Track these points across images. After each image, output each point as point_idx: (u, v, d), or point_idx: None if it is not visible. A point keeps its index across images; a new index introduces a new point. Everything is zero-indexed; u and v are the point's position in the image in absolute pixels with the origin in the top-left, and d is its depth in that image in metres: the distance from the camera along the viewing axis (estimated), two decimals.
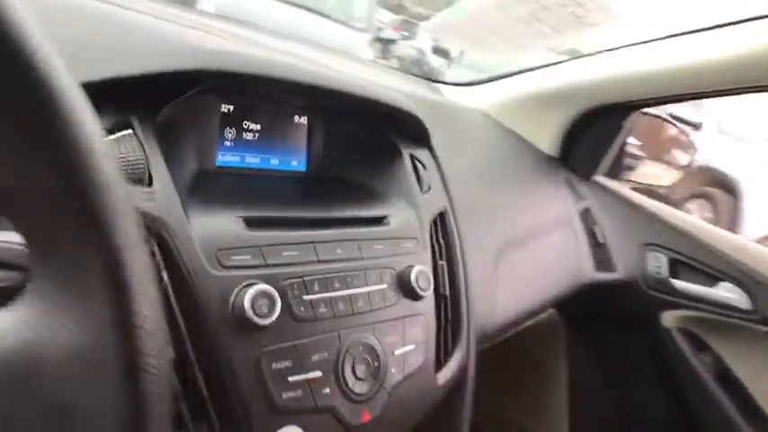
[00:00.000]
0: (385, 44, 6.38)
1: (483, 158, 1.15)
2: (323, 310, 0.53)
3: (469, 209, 0.93)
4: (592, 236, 1.22)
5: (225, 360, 0.46)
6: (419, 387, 0.62)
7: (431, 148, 0.80)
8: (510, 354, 1.55)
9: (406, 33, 7.18)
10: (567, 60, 1.30)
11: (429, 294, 0.64)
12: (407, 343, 0.61)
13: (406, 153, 0.74)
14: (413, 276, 0.62)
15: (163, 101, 0.52)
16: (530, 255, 1.02)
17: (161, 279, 0.45)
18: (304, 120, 0.71)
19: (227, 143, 0.64)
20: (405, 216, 0.69)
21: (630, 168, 1.60)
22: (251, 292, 0.47)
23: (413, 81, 1.49)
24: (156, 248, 0.45)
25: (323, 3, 5.13)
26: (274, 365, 0.49)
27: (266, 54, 0.65)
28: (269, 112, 0.68)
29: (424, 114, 1.12)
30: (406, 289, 0.62)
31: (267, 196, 0.62)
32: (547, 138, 1.35)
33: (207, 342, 0.46)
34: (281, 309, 0.50)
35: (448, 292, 0.71)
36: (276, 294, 0.48)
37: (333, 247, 0.57)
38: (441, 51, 6.59)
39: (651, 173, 1.55)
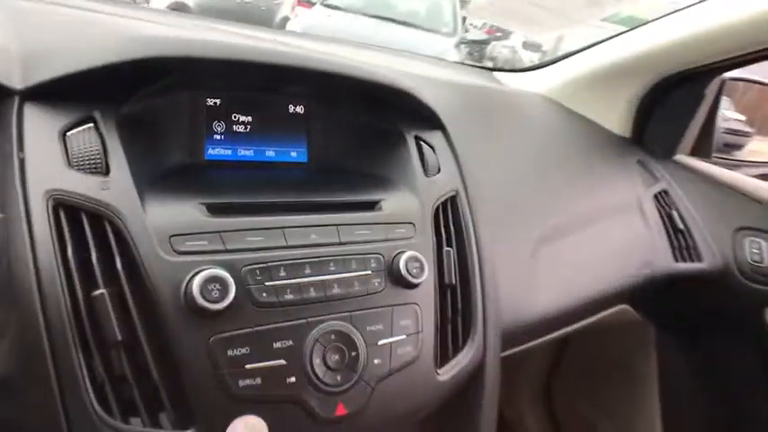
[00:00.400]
0: (474, 46, 6.28)
1: (539, 143, 1.06)
2: (289, 296, 0.51)
3: (510, 195, 0.86)
4: (669, 221, 1.07)
5: (177, 345, 0.46)
6: (413, 382, 0.57)
7: (443, 130, 0.75)
8: (593, 355, 1.41)
9: (499, 34, 7.04)
10: (629, 30, 1.16)
11: (426, 283, 0.59)
12: (396, 333, 0.56)
13: (410, 136, 0.70)
14: (402, 263, 0.57)
15: (126, 94, 0.54)
16: (583, 243, 0.92)
17: (114, 265, 0.46)
18: (300, 109, 0.70)
19: (217, 136, 0.65)
20: (401, 201, 0.64)
21: (733, 146, 1.39)
22: (200, 276, 0.46)
23: (469, 71, 1.44)
24: (110, 235, 0.47)
25: (415, 15, 5.23)
26: (230, 352, 0.47)
27: (228, 39, 0.65)
28: (260, 104, 0.68)
29: (476, 102, 1.08)
30: (396, 276, 0.58)
31: (256, 187, 0.61)
32: (616, 117, 1.23)
33: (159, 327, 0.46)
34: (240, 294, 0.48)
35: (455, 282, 0.65)
36: (230, 279, 0.47)
37: (305, 233, 0.55)
38: (532, 45, 6.35)
39: (760, 149, 1.33)
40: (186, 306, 0.46)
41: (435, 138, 0.73)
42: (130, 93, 0.54)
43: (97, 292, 0.44)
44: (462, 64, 1.44)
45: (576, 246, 0.90)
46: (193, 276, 0.47)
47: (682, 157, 1.21)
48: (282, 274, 0.51)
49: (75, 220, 0.46)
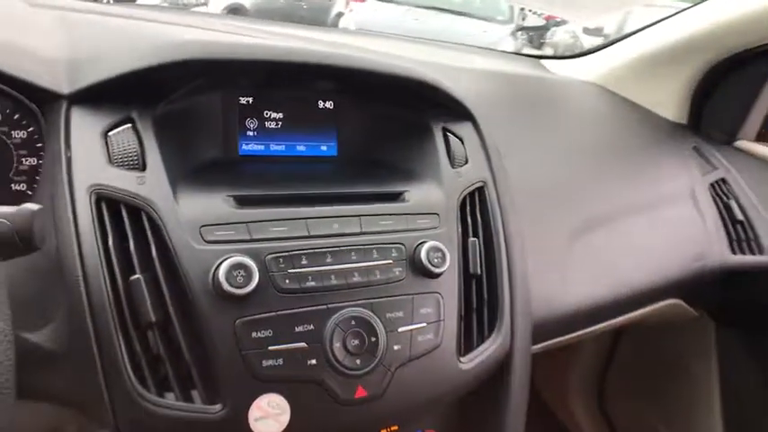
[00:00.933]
0: (532, 33, 6.09)
1: (584, 131, 1.03)
2: (311, 283, 0.54)
3: (548, 184, 0.85)
4: (727, 211, 1.01)
5: (205, 327, 0.49)
6: (434, 369, 0.58)
7: (473, 121, 0.75)
8: (649, 353, 1.36)
9: (558, 19, 6.77)
10: (679, 12, 1.10)
11: (449, 272, 0.60)
12: (416, 321, 0.58)
13: (437, 128, 0.71)
14: (423, 252, 0.58)
15: (161, 96, 0.58)
16: (628, 234, 0.89)
17: (150, 253, 0.50)
18: (329, 104, 0.73)
19: (250, 133, 0.68)
20: (426, 191, 0.65)
21: None
22: (226, 263, 0.49)
23: (514, 60, 1.41)
24: (146, 225, 0.51)
25: (470, 4, 5.16)
26: (254, 334, 0.50)
27: (257, 41, 0.68)
28: (291, 101, 0.70)
29: (516, 91, 1.06)
30: (418, 265, 0.59)
31: (285, 180, 0.64)
32: (670, 102, 1.17)
33: (190, 310, 0.50)
34: (263, 280, 0.51)
35: (481, 272, 0.65)
36: (253, 266, 0.50)
37: (328, 223, 0.57)
38: (593, 30, 6.08)
39: None
40: (214, 290, 0.50)
41: (464, 129, 0.74)
42: (166, 94, 0.58)
43: (134, 277, 0.49)
44: (508, 53, 1.42)
45: (619, 236, 0.87)
46: (220, 263, 0.50)
47: (744, 143, 1.13)
48: (304, 262, 0.54)
49: (115, 211, 0.51)
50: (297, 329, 0.52)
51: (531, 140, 0.90)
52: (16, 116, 0.54)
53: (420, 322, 0.58)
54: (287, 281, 0.53)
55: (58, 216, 0.49)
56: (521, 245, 0.71)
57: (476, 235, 0.67)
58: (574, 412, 1.46)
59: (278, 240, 0.54)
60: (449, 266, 0.60)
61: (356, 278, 0.56)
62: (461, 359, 0.61)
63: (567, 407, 1.46)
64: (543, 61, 1.34)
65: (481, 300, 0.65)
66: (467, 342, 0.63)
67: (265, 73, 0.66)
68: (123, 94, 0.55)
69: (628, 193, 0.94)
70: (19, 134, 0.53)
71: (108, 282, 0.48)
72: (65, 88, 0.54)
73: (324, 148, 0.73)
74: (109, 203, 0.51)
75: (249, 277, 0.50)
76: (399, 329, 0.56)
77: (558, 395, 1.45)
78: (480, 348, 0.63)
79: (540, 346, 0.77)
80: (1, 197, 0.53)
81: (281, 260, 0.53)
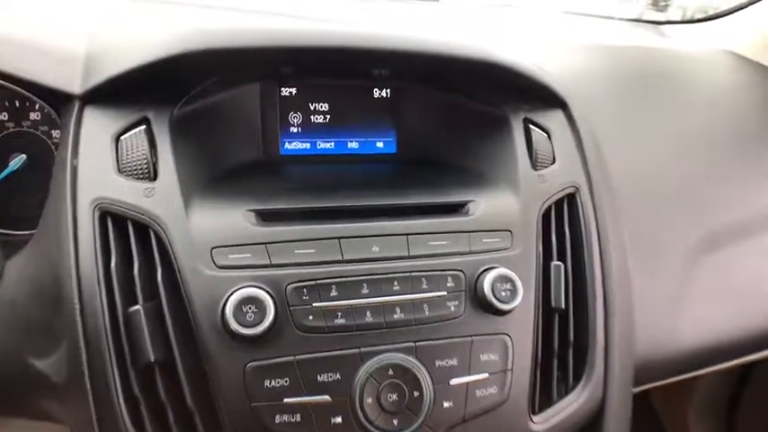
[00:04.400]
0: None
1: (717, 113, 0.82)
2: (340, 320, 0.44)
3: (662, 186, 0.67)
4: None
5: (212, 370, 0.42)
6: None
7: (565, 108, 0.60)
8: None
9: None
10: None
11: (522, 307, 0.47)
12: (475, 371, 0.46)
13: (516, 119, 0.57)
14: (487, 283, 0.46)
15: (183, 91, 0.50)
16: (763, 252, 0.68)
17: (155, 278, 0.43)
18: (387, 93, 0.61)
19: (294, 129, 0.59)
20: (497, 201, 0.52)
21: None
22: (234, 297, 0.41)
23: (628, 28, 1.18)
24: (153, 245, 0.44)
25: None
26: (267, 382, 0.42)
27: (296, 25, 0.58)
28: (340, 90, 0.60)
29: (627, 67, 0.87)
30: (480, 299, 0.47)
31: (329, 184, 0.54)
32: None
33: (195, 349, 0.42)
34: (282, 316, 0.42)
35: (567, 305, 0.51)
36: (267, 300, 0.41)
37: (366, 243, 0.46)
38: None
39: None
40: (223, 328, 0.42)
41: (552, 119, 0.59)
42: (186, 90, 0.50)
43: (133, 309, 0.42)
44: (616, 19, 1.19)
45: (757, 253, 0.67)
46: (230, 296, 0.42)
47: None
48: (334, 293, 0.44)
49: (121, 228, 0.44)
50: (320, 379, 0.43)
51: (643, 129, 0.71)
52: (54, 116, 0.49)
53: (480, 372, 0.46)
54: (310, 317, 0.43)
55: (59, 233, 0.44)
56: (624, 268, 0.56)
57: (562, 257, 0.53)
58: None
59: (303, 266, 0.44)
60: (522, 300, 0.47)
61: (398, 315, 0.45)
62: (534, 418, 0.48)
63: None
64: (664, 27, 1.10)
65: (565, 341, 0.52)
66: (543, 396, 0.50)
67: (310, 60, 0.56)
68: (140, 91, 0.48)
69: (762, 199, 0.72)
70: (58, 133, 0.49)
71: (107, 312, 0.42)
72: (77, 87, 0.48)
73: (380, 144, 0.62)
74: (115, 219, 0.44)
75: (262, 314, 0.41)
76: (451, 381, 0.45)
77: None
78: (561, 404, 0.50)
79: (642, 388, 0.62)
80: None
81: (304, 291, 0.44)
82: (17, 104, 0.60)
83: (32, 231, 0.49)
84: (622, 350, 0.54)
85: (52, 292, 0.43)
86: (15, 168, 0.60)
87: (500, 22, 0.93)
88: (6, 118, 0.60)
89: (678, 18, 1.29)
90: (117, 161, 0.46)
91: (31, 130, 0.61)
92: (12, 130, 0.61)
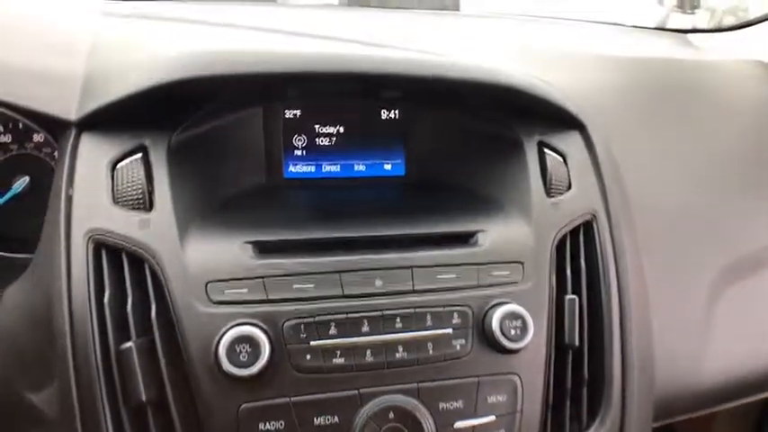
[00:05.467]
0: None
1: (750, 131, 0.78)
2: (338, 360, 0.42)
3: (687, 210, 0.64)
4: None
5: (205, 411, 0.40)
6: None
7: (582, 130, 0.57)
8: None
9: None
10: None
11: (533, 345, 0.45)
12: (482, 413, 0.43)
13: (530, 142, 0.54)
14: (495, 320, 0.44)
15: (180, 119, 0.49)
16: None
17: (150, 314, 0.42)
18: (395, 114, 0.59)
19: (298, 152, 0.58)
20: (508, 230, 0.50)
21: None
22: (229, 335, 0.39)
23: (647, 36, 1.14)
24: (148, 279, 0.42)
25: None
26: (262, 425, 0.40)
27: (300, 47, 0.56)
28: (347, 112, 0.58)
29: (650, 82, 0.83)
30: (488, 337, 0.44)
31: (331, 213, 0.52)
32: None
33: (188, 389, 0.41)
34: (278, 355, 0.41)
35: (581, 342, 0.49)
36: (262, 339, 0.40)
37: (368, 277, 0.44)
38: None
39: None
40: (217, 367, 0.40)
41: (568, 141, 0.56)
42: (185, 116, 0.49)
43: (125, 346, 0.40)
44: (639, 28, 1.14)
45: None
46: (223, 334, 0.40)
47: None
48: (333, 331, 0.42)
49: (116, 260, 0.43)
50: (317, 422, 0.41)
51: (666, 151, 0.68)
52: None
53: (487, 415, 0.43)
54: (308, 357, 0.41)
55: (52, 264, 0.42)
56: (643, 300, 0.53)
57: (577, 291, 0.50)
58: None
59: (301, 302, 0.43)
60: (532, 337, 0.44)
61: (400, 354, 0.43)
62: None
63: None
64: (691, 36, 1.06)
65: (579, 380, 0.49)
66: None
67: (317, 84, 0.55)
68: (137, 117, 0.47)
69: None
70: None
71: (98, 348, 0.40)
72: (74, 114, 0.47)
73: (388, 166, 0.60)
74: (109, 251, 0.43)
75: (256, 354, 0.39)
76: (456, 425, 0.43)
77: None
78: None
79: (662, 423, 0.58)
80: None
81: (302, 328, 0.42)
82: (20, 127, 0.59)
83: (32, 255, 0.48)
84: (641, 386, 0.51)
85: (46, 324, 0.42)
86: (18, 191, 0.59)
87: (512, 35, 0.91)
88: (9, 140, 0.60)
89: (706, 23, 1.24)
90: (113, 190, 0.45)
91: (35, 153, 0.61)
92: (15, 152, 0.60)
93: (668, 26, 1.26)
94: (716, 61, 0.89)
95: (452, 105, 0.58)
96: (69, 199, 0.44)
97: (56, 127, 0.47)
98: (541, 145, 0.55)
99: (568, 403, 0.48)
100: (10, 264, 0.57)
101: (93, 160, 0.46)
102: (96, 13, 0.59)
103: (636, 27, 1.16)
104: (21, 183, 0.59)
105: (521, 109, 0.55)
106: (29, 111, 0.47)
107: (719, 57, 0.90)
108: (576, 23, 1.05)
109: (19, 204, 0.58)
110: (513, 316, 0.44)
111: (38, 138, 0.60)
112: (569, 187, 0.54)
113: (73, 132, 0.46)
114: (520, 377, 0.45)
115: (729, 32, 1.01)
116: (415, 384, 0.43)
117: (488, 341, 0.44)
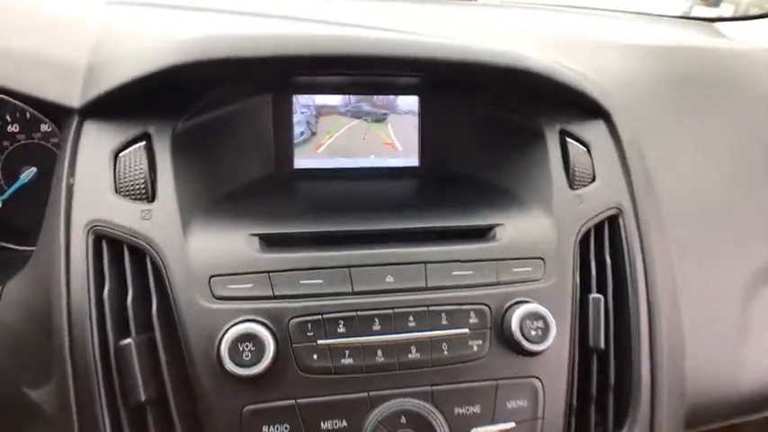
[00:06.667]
0: None
1: None
2: (347, 360, 0.39)
3: (720, 205, 0.60)
4: None
5: (207, 412, 0.38)
6: None
7: (607, 119, 0.54)
8: None
9: None
10: None
11: (555, 347, 0.42)
12: (500, 419, 0.41)
13: (551, 132, 0.51)
14: (515, 320, 0.41)
15: (185, 105, 0.47)
16: None
17: (150, 308, 0.40)
18: (411, 102, 0.57)
19: (308, 142, 0.55)
20: (528, 224, 0.47)
21: None
22: (231, 333, 0.37)
23: (674, 25, 1.09)
24: (149, 272, 0.41)
25: None
26: (266, 428, 0.38)
27: (311, 29, 0.53)
28: (360, 99, 0.56)
29: (677, 70, 0.79)
30: (507, 338, 0.41)
31: (341, 206, 0.50)
32: None
33: (189, 388, 0.39)
34: (284, 355, 0.39)
35: (607, 344, 0.46)
36: (267, 337, 0.37)
37: (380, 273, 0.42)
38: None
39: None
40: (219, 366, 0.38)
41: (592, 131, 0.53)
42: (191, 102, 0.47)
43: (125, 342, 0.39)
44: (664, 17, 1.09)
45: None
46: (226, 332, 0.38)
47: None
48: (341, 330, 0.40)
49: (117, 253, 0.41)
50: (324, 426, 0.38)
51: (695, 141, 0.64)
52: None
53: (505, 421, 0.41)
54: (315, 356, 0.39)
55: (52, 257, 0.41)
56: (672, 300, 0.50)
57: (602, 289, 0.47)
58: None
59: (308, 298, 0.40)
60: (555, 339, 0.41)
61: (413, 355, 0.40)
62: None
63: None
64: (718, 25, 1.01)
65: (605, 384, 0.46)
66: None
67: (329, 69, 0.52)
68: (141, 105, 0.45)
69: None
70: None
71: (97, 345, 0.39)
72: (77, 101, 0.45)
73: (402, 157, 0.57)
74: (110, 243, 0.41)
75: (260, 352, 0.37)
76: (473, 431, 0.40)
77: None
78: None
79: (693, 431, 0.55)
80: None
81: (309, 326, 0.39)
82: (28, 116, 0.58)
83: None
84: (672, 392, 0.47)
85: (45, 320, 0.41)
86: (26, 181, 0.58)
87: (532, 24, 0.87)
88: (17, 130, 0.59)
89: (730, 14, 1.18)
90: (115, 180, 0.43)
91: (42, 143, 0.59)
92: (23, 142, 0.59)
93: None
94: (748, 49, 0.84)
95: (469, 92, 0.55)
96: (70, 188, 0.42)
97: (58, 114, 0.46)
98: (563, 134, 0.52)
99: (593, 409, 0.45)
100: (16, 257, 0.55)
101: (95, 148, 0.44)
102: (101, 0, 0.57)
103: (662, 16, 1.11)
104: (28, 173, 0.58)
105: (541, 96, 0.52)
106: (31, 98, 0.46)
107: (747, 45, 0.86)
108: (599, 12, 1.01)
109: (26, 195, 0.57)
110: (534, 316, 0.41)
111: (45, 128, 0.58)
112: (593, 179, 0.51)
113: (75, 120, 0.45)
114: (541, 381, 0.42)
115: (757, 21, 0.96)
116: (429, 387, 0.40)
117: (507, 342, 0.42)
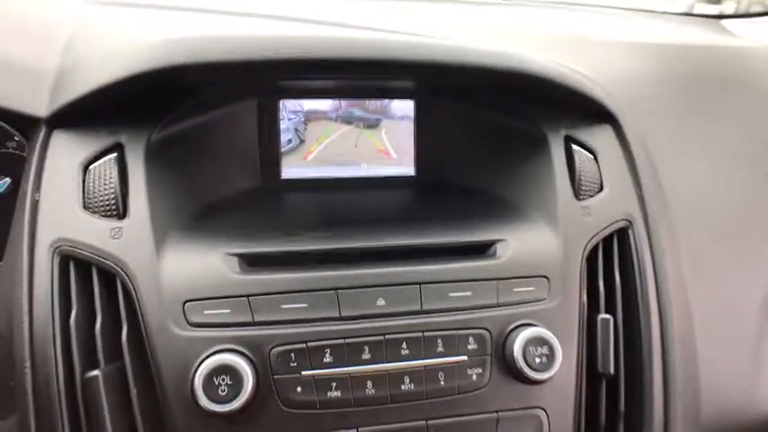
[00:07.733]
0: None
1: None
2: (334, 393, 0.36)
3: (736, 215, 0.57)
4: None
5: None
6: None
7: (614, 124, 0.50)
8: None
9: None
10: None
11: (561, 374, 0.39)
12: None
13: (555, 138, 0.48)
14: (517, 346, 0.38)
15: (160, 113, 0.43)
16: None
17: (120, 336, 0.37)
18: (407, 107, 0.53)
19: (296, 150, 0.52)
20: (531, 239, 0.43)
21: None
22: (206, 365, 0.34)
23: (683, 24, 1.05)
24: (120, 296, 0.37)
25: None
26: None
27: (295, 31, 0.50)
28: (351, 104, 0.52)
29: (685, 70, 0.76)
30: (508, 365, 0.38)
31: (330, 221, 0.47)
32: None
33: (161, 425, 0.36)
34: (264, 388, 0.35)
35: (617, 370, 0.42)
36: (245, 370, 0.34)
37: (370, 296, 0.39)
38: None
39: None
40: (194, 401, 0.35)
41: (599, 137, 0.50)
42: (170, 108, 0.44)
43: (92, 374, 0.35)
44: (670, 14, 1.06)
45: None
46: (200, 364, 0.35)
47: None
48: (328, 359, 0.37)
49: (85, 275, 0.38)
50: None
51: (710, 144, 0.61)
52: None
53: None
54: (298, 389, 0.36)
55: (14, 279, 0.38)
56: (687, 320, 0.46)
57: (611, 309, 0.44)
58: None
59: (291, 324, 0.37)
60: (561, 365, 0.38)
61: (406, 386, 0.37)
62: None
63: None
64: (725, 22, 0.97)
65: (614, 413, 0.43)
66: None
67: (317, 73, 0.49)
68: (114, 113, 0.42)
69: None
70: None
71: (62, 377, 0.36)
72: (44, 109, 0.42)
73: (396, 166, 0.54)
74: (78, 264, 0.38)
75: (238, 387, 0.34)
76: None
77: None
78: None
79: None
80: None
81: (292, 356, 0.36)
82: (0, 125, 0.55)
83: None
84: (686, 419, 0.44)
85: (5, 347, 0.37)
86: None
87: (533, 22, 0.83)
88: None
89: (732, 11, 1.15)
90: (84, 195, 0.40)
91: (17, 152, 0.56)
92: None
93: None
94: (755, 47, 0.81)
95: (468, 96, 0.52)
96: (35, 204, 0.39)
97: (24, 125, 0.43)
98: (569, 140, 0.48)
99: None
100: None
101: (63, 161, 0.41)
102: (77, 1, 0.54)
103: (665, 13, 1.07)
104: (2, 185, 0.55)
105: (544, 100, 0.49)
106: None
107: (756, 43, 0.82)
108: (601, 9, 0.98)
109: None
110: (539, 341, 0.38)
111: (19, 137, 0.55)
112: (601, 188, 0.47)
113: (43, 130, 0.42)
114: (546, 412, 0.39)
115: (760, 18, 0.93)
116: (424, 422, 0.37)
117: (509, 370, 0.38)
